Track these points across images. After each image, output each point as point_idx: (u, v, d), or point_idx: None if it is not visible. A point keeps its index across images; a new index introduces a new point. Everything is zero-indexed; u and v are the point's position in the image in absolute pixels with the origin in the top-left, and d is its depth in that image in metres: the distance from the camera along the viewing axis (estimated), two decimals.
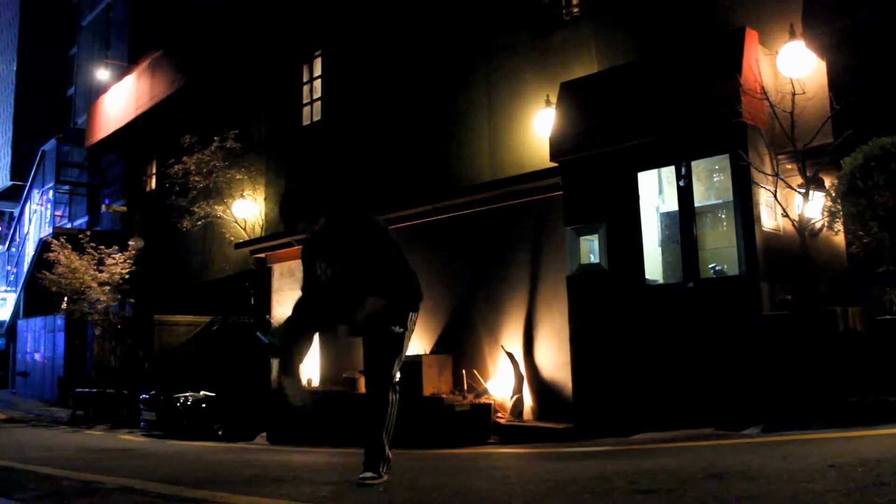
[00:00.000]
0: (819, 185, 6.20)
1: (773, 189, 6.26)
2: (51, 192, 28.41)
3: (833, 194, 5.65)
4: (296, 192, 4.20)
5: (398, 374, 3.84)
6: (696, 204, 6.79)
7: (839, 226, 5.79)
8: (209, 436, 10.88)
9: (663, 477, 3.42)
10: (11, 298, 30.54)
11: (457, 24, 10.51)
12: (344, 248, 3.81)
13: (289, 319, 3.88)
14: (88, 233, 16.84)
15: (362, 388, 8.30)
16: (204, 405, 11.33)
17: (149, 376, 14.40)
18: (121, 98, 19.77)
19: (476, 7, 10.26)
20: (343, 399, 9.42)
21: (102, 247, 15.42)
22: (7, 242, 33.96)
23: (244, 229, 14.11)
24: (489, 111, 9.98)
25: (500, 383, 8.49)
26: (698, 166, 6.92)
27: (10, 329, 27.26)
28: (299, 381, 3.84)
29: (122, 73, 21.57)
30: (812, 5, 6.55)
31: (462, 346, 8.97)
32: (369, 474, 3.63)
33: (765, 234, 6.36)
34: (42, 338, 22.73)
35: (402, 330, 3.79)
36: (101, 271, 15.17)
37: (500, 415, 8.15)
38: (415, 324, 3.88)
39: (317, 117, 13.25)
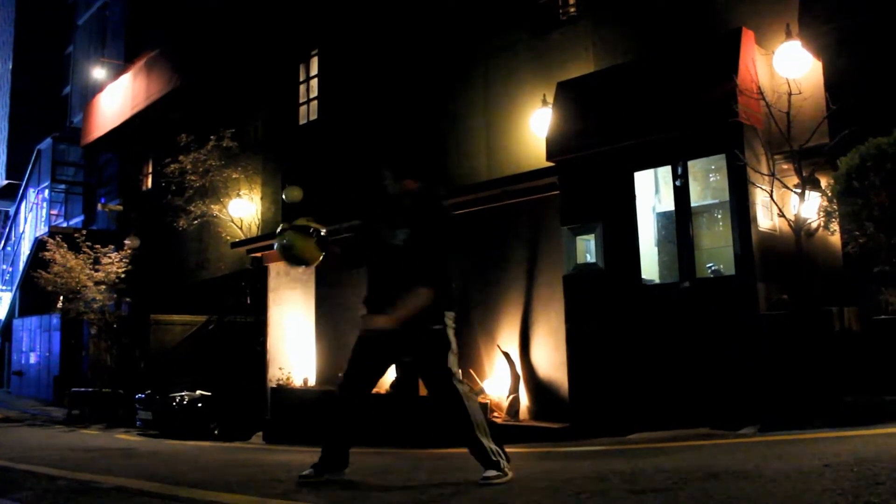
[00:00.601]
0: (815, 185, 6.21)
1: (769, 189, 6.27)
2: (47, 191, 28.32)
3: (829, 194, 5.66)
4: (408, 145, 4.30)
5: (457, 369, 3.75)
6: (693, 204, 6.79)
7: (835, 226, 5.80)
8: (205, 435, 10.87)
9: (660, 476, 3.43)
10: (7, 297, 30.42)
11: (454, 23, 10.51)
12: (415, 218, 3.76)
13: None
14: (84, 232, 16.78)
15: None
16: (200, 404, 11.33)
17: (145, 376, 14.38)
18: (117, 97, 19.72)
19: (473, 6, 10.26)
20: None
21: (98, 246, 15.39)
22: (2, 241, 33.82)
23: (240, 229, 14.09)
24: (486, 110, 9.98)
25: (496, 383, 8.49)
26: (695, 166, 6.92)
27: (6, 328, 27.17)
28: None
29: (118, 72, 21.53)
30: (808, 6, 6.56)
31: (458, 345, 8.94)
32: (492, 473, 3.51)
33: (761, 233, 6.37)
34: (38, 337, 22.69)
35: (441, 326, 3.72)
36: (97, 270, 15.14)
37: (496, 414, 8.15)
38: (454, 322, 3.81)
39: (313, 116, 13.24)
